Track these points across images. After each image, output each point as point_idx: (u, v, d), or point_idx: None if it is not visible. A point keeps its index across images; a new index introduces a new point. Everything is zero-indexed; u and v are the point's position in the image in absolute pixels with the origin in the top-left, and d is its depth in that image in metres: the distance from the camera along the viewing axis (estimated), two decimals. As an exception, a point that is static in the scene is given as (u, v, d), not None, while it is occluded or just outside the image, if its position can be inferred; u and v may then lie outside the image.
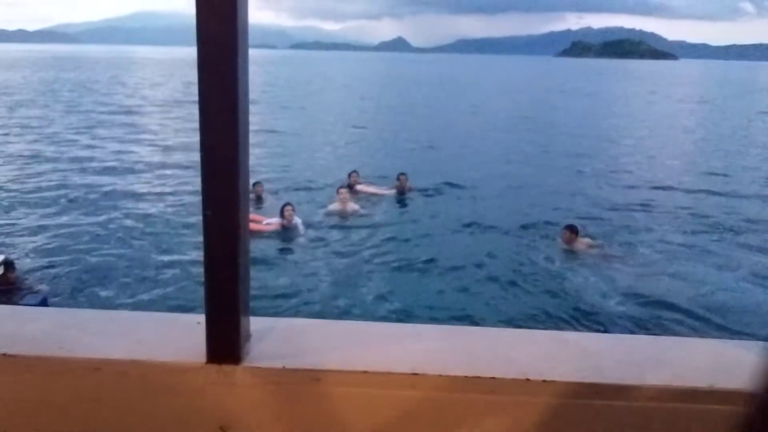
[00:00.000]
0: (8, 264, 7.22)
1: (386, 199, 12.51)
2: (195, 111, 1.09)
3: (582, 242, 9.44)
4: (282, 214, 10.06)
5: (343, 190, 11.32)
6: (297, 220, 10.16)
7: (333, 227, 10.54)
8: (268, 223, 10.05)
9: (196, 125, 1.09)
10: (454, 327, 1.43)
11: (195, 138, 1.09)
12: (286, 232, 9.97)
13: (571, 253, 9.30)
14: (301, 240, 9.85)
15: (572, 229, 9.49)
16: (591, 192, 14.01)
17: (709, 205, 13.03)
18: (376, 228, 10.59)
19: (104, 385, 1.24)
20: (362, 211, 11.26)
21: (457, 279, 8.50)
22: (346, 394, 1.23)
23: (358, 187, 12.57)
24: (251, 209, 10.66)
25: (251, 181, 11.49)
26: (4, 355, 1.23)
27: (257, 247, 9.21)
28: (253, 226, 9.64)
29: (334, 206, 11.19)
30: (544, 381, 1.19)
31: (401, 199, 12.64)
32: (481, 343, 1.35)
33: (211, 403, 1.24)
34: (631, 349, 1.35)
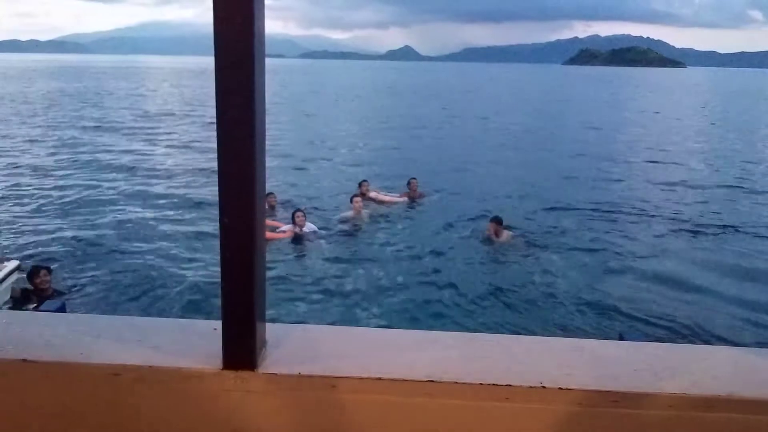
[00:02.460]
0: (37, 270, 7.32)
1: (400, 205, 12.61)
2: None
3: (506, 234, 10.08)
4: (293, 221, 10.14)
5: (358, 199, 11.39)
6: (309, 226, 10.23)
7: (347, 235, 10.61)
8: (281, 231, 10.10)
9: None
10: (470, 334, 1.43)
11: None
12: (299, 240, 10.04)
13: (499, 246, 9.94)
14: (314, 246, 9.91)
15: (498, 221, 10.09)
16: (597, 197, 14.04)
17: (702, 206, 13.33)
18: (389, 235, 10.66)
19: (122, 390, 1.25)
20: (375, 218, 11.33)
21: (458, 288, 8.60)
22: (362, 401, 1.23)
23: (371, 195, 12.69)
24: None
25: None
26: (24, 360, 1.25)
27: (270, 255, 9.29)
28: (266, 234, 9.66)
29: (348, 214, 11.28)
30: (560, 389, 1.19)
31: (412, 205, 12.72)
32: (496, 351, 1.35)
33: (227, 410, 1.25)
34: (648, 356, 1.35)
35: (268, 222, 10.02)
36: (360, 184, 12.99)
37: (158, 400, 1.26)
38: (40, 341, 1.32)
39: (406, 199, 12.89)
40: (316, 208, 12.09)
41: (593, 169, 18.14)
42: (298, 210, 10.39)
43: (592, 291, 8.36)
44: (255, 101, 1.12)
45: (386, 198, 12.81)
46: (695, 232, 11.35)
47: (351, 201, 11.41)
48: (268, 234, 9.82)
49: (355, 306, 7.82)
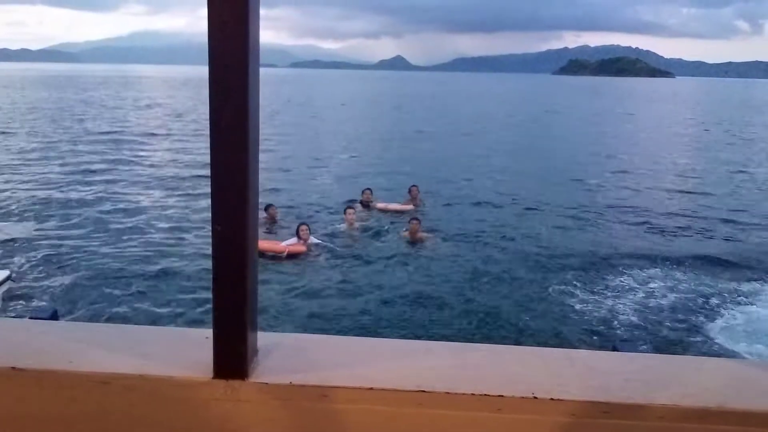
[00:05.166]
0: None
1: (403, 214, 12.69)
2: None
3: (422, 234, 10.79)
4: (297, 234, 10.12)
5: (351, 211, 11.33)
6: (313, 240, 10.22)
7: (342, 246, 10.57)
8: (288, 245, 10.02)
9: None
10: (462, 344, 1.44)
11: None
12: (306, 253, 10.01)
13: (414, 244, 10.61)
14: (320, 258, 9.90)
15: (418, 221, 10.83)
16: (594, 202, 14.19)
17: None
18: (384, 244, 10.66)
19: (111, 399, 1.24)
20: (368, 228, 11.33)
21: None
22: (353, 411, 1.23)
23: (380, 205, 12.74)
24: (267, 233, 10.75)
25: (264, 203, 11.59)
26: (13, 368, 1.24)
27: (274, 267, 9.25)
28: (272, 247, 9.66)
29: (342, 225, 11.26)
30: (552, 399, 1.19)
31: (413, 213, 12.78)
32: (488, 361, 1.35)
33: (218, 419, 1.24)
34: (640, 367, 1.35)
35: (271, 241, 9.98)
36: (363, 192, 13.02)
37: (148, 409, 1.25)
38: (29, 349, 1.31)
39: (412, 206, 12.94)
40: (316, 221, 12.00)
41: (582, 176, 18.32)
42: (303, 223, 10.35)
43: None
44: (249, 108, 1.12)
45: (393, 207, 12.83)
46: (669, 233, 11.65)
47: (344, 213, 11.37)
48: (274, 246, 9.75)
49: (351, 317, 7.83)
